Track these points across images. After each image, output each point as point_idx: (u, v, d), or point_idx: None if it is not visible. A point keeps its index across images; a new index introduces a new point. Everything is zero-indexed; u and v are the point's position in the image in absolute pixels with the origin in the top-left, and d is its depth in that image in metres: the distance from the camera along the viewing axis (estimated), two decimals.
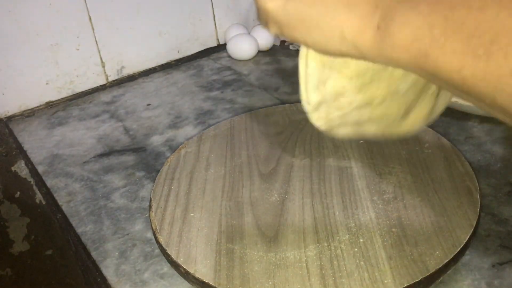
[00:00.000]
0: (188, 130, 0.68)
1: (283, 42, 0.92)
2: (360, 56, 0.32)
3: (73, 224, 0.53)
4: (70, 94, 0.81)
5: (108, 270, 0.47)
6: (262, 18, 0.35)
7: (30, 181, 0.68)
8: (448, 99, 0.42)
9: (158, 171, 0.58)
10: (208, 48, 0.92)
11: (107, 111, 0.76)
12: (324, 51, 0.34)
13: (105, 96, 0.80)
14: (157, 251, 0.48)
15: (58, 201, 0.57)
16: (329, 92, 0.38)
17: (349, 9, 0.30)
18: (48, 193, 0.60)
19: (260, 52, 0.89)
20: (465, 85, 0.26)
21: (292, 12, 0.33)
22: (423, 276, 0.39)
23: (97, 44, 0.80)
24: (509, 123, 0.26)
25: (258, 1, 0.34)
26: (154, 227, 0.48)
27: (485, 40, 0.25)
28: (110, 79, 0.84)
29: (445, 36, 0.26)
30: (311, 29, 0.32)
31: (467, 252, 0.43)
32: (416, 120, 0.40)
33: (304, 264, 0.42)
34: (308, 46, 0.34)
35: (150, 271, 0.46)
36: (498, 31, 0.24)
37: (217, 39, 0.93)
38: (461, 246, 0.42)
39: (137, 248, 0.49)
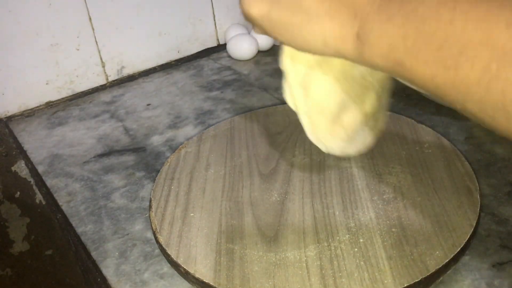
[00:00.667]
0: (188, 130, 0.68)
1: None
2: (343, 58, 0.33)
3: (73, 224, 0.53)
4: (70, 94, 0.81)
5: (108, 270, 0.47)
6: (247, 20, 0.36)
7: (30, 181, 0.68)
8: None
9: (158, 171, 0.58)
10: (208, 48, 0.92)
11: (107, 111, 0.76)
12: (308, 52, 0.35)
13: (105, 96, 0.80)
14: (157, 251, 0.48)
15: (58, 201, 0.57)
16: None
17: (330, 17, 0.32)
18: (48, 193, 0.60)
19: (260, 52, 0.89)
20: (438, 91, 0.28)
21: (275, 20, 0.34)
22: (423, 276, 0.40)
23: (97, 44, 0.80)
24: (480, 124, 0.28)
25: (242, 7, 0.35)
26: (154, 227, 0.48)
27: (453, 51, 0.26)
28: (110, 79, 0.84)
29: (417, 47, 0.28)
30: (294, 35, 0.34)
31: (467, 252, 0.43)
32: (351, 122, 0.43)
33: (304, 264, 0.42)
34: (292, 47, 0.35)
35: (150, 271, 0.46)
36: (465, 43, 0.26)
37: (217, 39, 0.93)
38: (461, 246, 0.42)
39: (137, 248, 0.49)
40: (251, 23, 0.37)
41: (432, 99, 0.62)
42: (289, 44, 0.35)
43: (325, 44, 0.33)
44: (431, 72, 0.28)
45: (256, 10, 0.34)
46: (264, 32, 0.37)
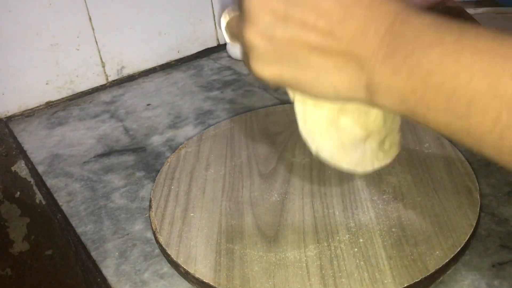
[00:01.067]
0: (188, 130, 0.68)
1: None
2: (356, 103, 0.35)
3: (73, 224, 0.53)
4: (70, 94, 0.81)
5: (108, 270, 0.47)
6: (259, 81, 0.38)
7: (30, 181, 0.68)
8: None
9: (158, 171, 0.58)
10: (208, 48, 0.92)
11: (107, 111, 0.76)
12: (323, 100, 0.37)
13: (105, 96, 0.80)
14: (157, 251, 0.48)
15: (58, 201, 0.57)
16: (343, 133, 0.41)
17: (338, 71, 0.33)
18: (48, 193, 0.60)
19: None
20: (454, 137, 0.29)
21: (287, 78, 0.35)
22: (423, 276, 0.40)
23: (97, 44, 0.80)
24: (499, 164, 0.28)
25: (253, 72, 0.36)
26: (154, 227, 0.48)
27: (463, 102, 0.27)
28: (110, 79, 0.84)
29: (427, 99, 0.28)
30: (307, 88, 0.35)
31: (467, 252, 0.43)
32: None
33: (304, 264, 0.42)
34: (307, 96, 0.37)
35: (150, 271, 0.46)
36: (473, 95, 0.26)
37: (217, 39, 0.93)
38: (461, 246, 0.42)
39: (137, 248, 0.49)
40: (263, 83, 0.38)
41: None
42: (303, 94, 0.37)
43: (337, 94, 0.34)
44: (444, 120, 0.28)
45: (267, 73, 0.36)
46: (278, 87, 0.38)
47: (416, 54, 0.29)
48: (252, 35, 0.34)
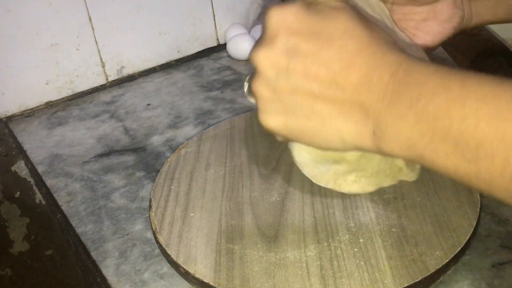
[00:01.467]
0: (188, 130, 0.68)
1: None
2: (363, 151, 0.36)
3: (73, 224, 0.53)
4: (70, 94, 0.81)
5: (108, 270, 0.47)
6: (267, 132, 0.38)
7: (30, 181, 0.68)
8: None
9: (158, 171, 0.57)
10: (208, 48, 0.92)
11: (107, 111, 0.76)
12: (329, 150, 0.37)
13: (105, 96, 0.80)
14: (157, 251, 0.48)
15: (58, 201, 0.57)
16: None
17: (344, 118, 0.33)
18: (48, 193, 0.60)
19: None
20: (463, 181, 0.29)
21: (293, 127, 0.36)
22: (423, 276, 0.40)
23: (97, 44, 0.80)
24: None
25: (261, 122, 0.37)
26: (154, 227, 0.48)
27: (471, 146, 0.27)
28: (110, 79, 0.84)
29: (435, 143, 0.29)
30: (313, 138, 0.35)
31: (467, 252, 0.43)
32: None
33: (304, 264, 0.42)
34: (313, 147, 0.37)
35: (150, 271, 0.46)
36: (481, 139, 0.26)
37: (217, 39, 0.93)
38: (461, 246, 0.42)
39: (137, 248, 0.49)
40: (272, 134, 0.39)
41: None
42: (310, 145, 0.37)
43: (343, 143, 0.34)
44: (453, 164, 0.28)
45: (273, 123, 0.36)
46: (286, 139, 0.39)
47: (422, 100, 0.29)
48: (259, 87, 0.36)
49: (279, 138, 0.39)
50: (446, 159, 0.28)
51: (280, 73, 0.34)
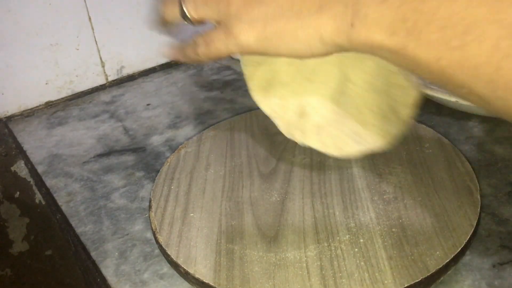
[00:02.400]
0: (188, 130, 0.68)
1: None
2: (345, 51, 0.33)
3: (73, 224, 0.53)
4: (70, 94, 0.81)
5: (108, 270, 0.47)
6: (245, 54, 0.37)
7: (30, 181, 0.68)
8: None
9: (158, 171, 0.57)
10: None
11: (107, 111, 0.76)
12: (310, 57, 0.35)
13: (105, 96, 0.80)
14: (157, 251, 0.48)
15: (58, 201, 0.57)
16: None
17: (321, 13, 0.31)
18: (47, 193, 0.60)
19: None
20: (444, 74, 0.27)
21: (271, 33, 0.34)
22: (424, 277, 0.39)
23: (96, 44, 0.80)
24: (486, 110, 0.27)
25: (237, 38, 0.36)
26: (154, 227, 0.48)
27: (458, 30, 0.25)
28: (110, 79, 0.84)
29: (419, 29, 0.26)
30: (292, 42, 0.34)
31: (467, 252, 0.43)
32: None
33: (304, 265, 0.42)
34: (295, 57, 0.35)
35: (150, 271, 0.46)
36: (471, 21, 0.24)
37: None
38: (462, 246, 0.42)
39: (137, 248, 0.49)
40: (248, 54, 0.37)
41: (434, 99, 0.62)
42: (290, 54, 0.35)
43: (322, 42, 0.32)
44: (435, 54, 0.26)
45: (251, 33, 0.35)
46: (262, 53, 0.37)
47: None
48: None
49: (248, 56, 0.38)
50: (429, 47, 0.26)
51: None
